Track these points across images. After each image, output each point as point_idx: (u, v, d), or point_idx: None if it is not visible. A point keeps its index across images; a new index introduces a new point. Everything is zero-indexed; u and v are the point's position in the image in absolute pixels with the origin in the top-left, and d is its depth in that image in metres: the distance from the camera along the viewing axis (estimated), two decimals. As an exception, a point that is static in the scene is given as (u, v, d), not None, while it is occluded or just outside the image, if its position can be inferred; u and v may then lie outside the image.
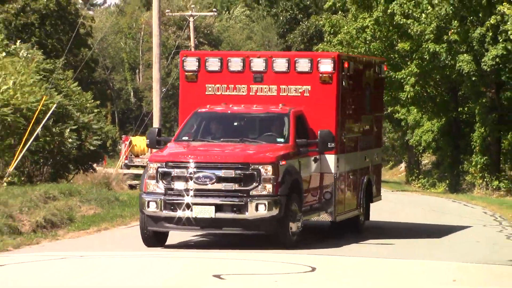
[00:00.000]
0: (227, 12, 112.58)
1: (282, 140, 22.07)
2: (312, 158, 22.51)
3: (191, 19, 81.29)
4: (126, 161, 64.49)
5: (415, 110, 59.86)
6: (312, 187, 22.64)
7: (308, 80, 22.92)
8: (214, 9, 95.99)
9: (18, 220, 23.70)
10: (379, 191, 27.19)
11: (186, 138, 22.39)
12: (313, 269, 18.75)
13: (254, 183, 20.56)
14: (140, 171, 57.30)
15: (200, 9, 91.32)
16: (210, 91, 23.32)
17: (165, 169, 20.70)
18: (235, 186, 20.56)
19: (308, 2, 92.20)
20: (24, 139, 32.44)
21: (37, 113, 32.77)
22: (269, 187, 20.53)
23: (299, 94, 22.96)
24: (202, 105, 22.96)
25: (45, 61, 42.36)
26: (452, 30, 48.14)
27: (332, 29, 58.02)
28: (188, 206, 20.49)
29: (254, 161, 20.72)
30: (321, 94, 22.84)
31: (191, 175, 20.54)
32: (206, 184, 20.53)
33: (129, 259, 20.37)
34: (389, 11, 50.86)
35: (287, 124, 22.15)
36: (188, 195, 20.54)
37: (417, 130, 63.32)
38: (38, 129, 32.80)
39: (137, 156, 65.62)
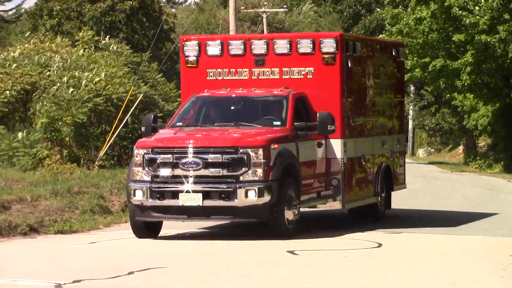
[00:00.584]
0: (296, 8, 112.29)
1: (279, 123, 19.11)
2: (316, 142, 19.56)
3: (264, 15, 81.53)
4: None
5: (471, 96, 59.40)
6: (317, 173, 19.78)
7: (311, 61, 19.89)
8: (285, 6, 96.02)
9: (108, 201, 23.78)
10: (403, 179, 23.84)
11: (181, 123, 19.49)
12: (380, 245, 18.47)
13: (243, 168, 17.72)
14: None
15: (272, 6, 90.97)
16: (211, 76, 20.37)
17: (152, 156, 17.94)
18: (224, 172, 17.72)
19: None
20: (114, 126, 32.73)
21: (126, 102, 33.07)
22: (259, 172, 17.70)
23: (302, 77, 19.95)
24: (201, 90, 20.15)
25: (132, 55, 42.96)
26: (502, 27, 47.48)
27: (393, 21, 57.54)
28: (174, 194, 17.80)
29: (243, 144, 17.86)
30: (324, 76, 19.85)
31: (177, 161, 17.77)
32: (193, 170, 17.69)
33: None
34: (446, 4, 50.30)
35: (285, 107, 19.26)
36: (174, 182, 17.84)
37: (473, 115, 62.83)
38: (127, 117, 33.12)
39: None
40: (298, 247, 18.01)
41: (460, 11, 49.68)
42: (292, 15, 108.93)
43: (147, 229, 18.51)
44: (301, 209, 19.68)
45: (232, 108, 19.95)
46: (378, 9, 74.57)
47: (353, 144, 20.38)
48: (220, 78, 20.26)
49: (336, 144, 19.62)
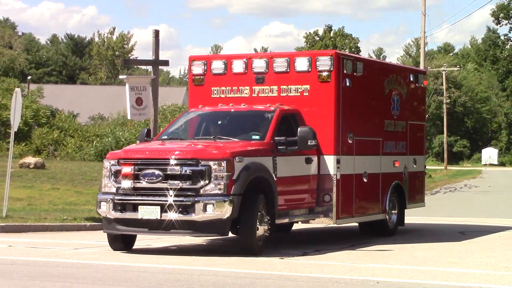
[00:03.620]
0: (464, 67, 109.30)
1: (257, 137, 13.41)
2: (304, 158, 13.87)
3: (443, 73, 79.78)
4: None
5: None
6: (307, 189, 14.04)
7: (307, 79, 14.49)
8: (458, 65, 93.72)
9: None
10: (420, 198, 17.78)
11: (166, 137, 14.04)
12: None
13: (204, 181, 12.20)
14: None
15: (448, 66, 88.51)
16: (215, 94, 15.05)
17: (117, 167, 12.64)
18: (183, 185, 12.26)
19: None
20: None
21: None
22: (221, 185, 12.17)
23: (299, 94, 14.48)
24: (195, 106, 15.14)
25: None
26: None
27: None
28: (134, 207, 12.48)
29: (204, 156, 12.36)
30: (320, 93, 14.41)
31: (138, 173, 12.47)
32: (153, 182, 12.38)
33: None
34: None
35: (268, 122, 13.66)
36: (134, 194, 12.52)
37: None
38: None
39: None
40: (466, 229, 17.27)
41: None
42: (462, 72, 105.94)
43: (121, 240, 13.08)
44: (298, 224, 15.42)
45: (219, 122, 14.41)
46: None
47: (351, 161, 14.85)
48: (223, 96, 14.99)
49: (329, 161, 14.24)
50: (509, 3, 71.04)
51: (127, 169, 12.45)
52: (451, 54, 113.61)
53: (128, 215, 12.45)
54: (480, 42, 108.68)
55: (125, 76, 19.42)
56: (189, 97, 15.75)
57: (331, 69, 14.20)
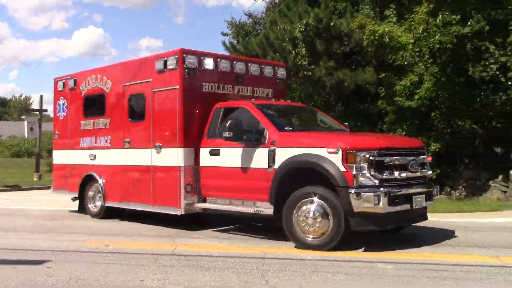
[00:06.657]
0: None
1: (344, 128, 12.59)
2: None
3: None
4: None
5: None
6: None
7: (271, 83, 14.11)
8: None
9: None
10: None
11: (290, 128, 11.36)
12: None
13: (425, 168, 10.68)
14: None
15: None
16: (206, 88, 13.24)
17: (378, 158, 9.85)
18: (425, 172, 10.58)
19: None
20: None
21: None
22: (430, 171, 10.78)
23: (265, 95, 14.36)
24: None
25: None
26: None
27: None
28: (406, 198, 9.99)
29: (423, 145, 11.08)
30: (278, 93, 14.31)
31: (405, 163, 10.12)
32: (416, 171, 10.27)
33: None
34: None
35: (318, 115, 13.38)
36: (402, 185, 10.00)
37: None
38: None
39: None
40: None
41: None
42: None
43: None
44: None
45: (295, 116, 12.80)
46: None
47: None
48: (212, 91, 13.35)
49: None
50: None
51: (396, 160, 10.06)
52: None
53: (401, 207, 9.95)
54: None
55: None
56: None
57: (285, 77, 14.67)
